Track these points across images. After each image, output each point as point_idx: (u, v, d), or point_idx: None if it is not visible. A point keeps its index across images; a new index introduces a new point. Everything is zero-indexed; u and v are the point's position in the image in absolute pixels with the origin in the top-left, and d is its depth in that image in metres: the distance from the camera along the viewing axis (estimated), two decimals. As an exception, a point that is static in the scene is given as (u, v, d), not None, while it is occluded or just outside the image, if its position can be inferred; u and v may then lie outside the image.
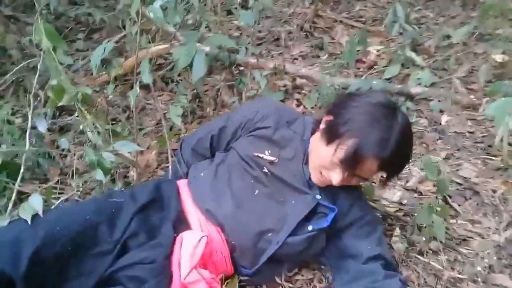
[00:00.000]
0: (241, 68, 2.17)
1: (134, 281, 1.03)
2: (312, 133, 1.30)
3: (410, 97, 2.03)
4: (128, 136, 1.62)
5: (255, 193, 1.24)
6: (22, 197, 1.38)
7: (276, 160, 1.26)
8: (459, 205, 1.57)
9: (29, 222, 1.02)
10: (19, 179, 1.24)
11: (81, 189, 1.42)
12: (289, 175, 1.26)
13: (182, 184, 1.32)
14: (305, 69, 2.08)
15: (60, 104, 1.30)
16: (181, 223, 1.18)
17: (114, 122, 1.91)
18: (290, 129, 1.32)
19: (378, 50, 2.43)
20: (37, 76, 1.37)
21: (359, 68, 2.38)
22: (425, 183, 1.67)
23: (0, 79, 1.91)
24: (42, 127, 1.34)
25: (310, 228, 1.21)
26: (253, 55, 2.08)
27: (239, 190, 1.24)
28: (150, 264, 1.05)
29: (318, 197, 1.24)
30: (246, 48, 2.00)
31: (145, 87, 2.09)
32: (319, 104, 2.04)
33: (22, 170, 1.25)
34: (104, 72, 2.19)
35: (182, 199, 1.26)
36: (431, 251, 1.40)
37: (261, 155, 1.27)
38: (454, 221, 1.51)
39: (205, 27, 2.30)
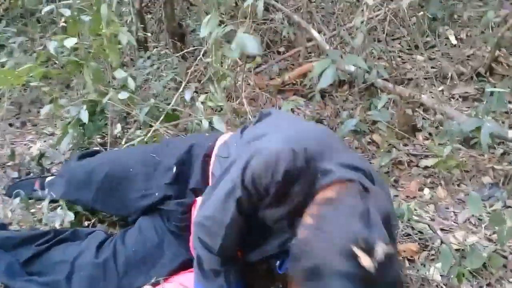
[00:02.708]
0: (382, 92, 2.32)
1: (164, 216, 1.39)
2: None
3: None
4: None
5: None
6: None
7: None
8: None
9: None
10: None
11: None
12: None
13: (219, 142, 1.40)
14: (442, 104, 2.09)
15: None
16: (203, 187, 1.31)
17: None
18: None
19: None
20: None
21: (518, 119, 2.20)
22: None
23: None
24: (188, 96, 1.87)
25: None
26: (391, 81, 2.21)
27: None
28: (174, 214, 1.36)
29: None
30: (378, 72, 2.14)
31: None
32: (448, 143, 2.02)
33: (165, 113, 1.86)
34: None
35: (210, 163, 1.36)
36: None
37: None
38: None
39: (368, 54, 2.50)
